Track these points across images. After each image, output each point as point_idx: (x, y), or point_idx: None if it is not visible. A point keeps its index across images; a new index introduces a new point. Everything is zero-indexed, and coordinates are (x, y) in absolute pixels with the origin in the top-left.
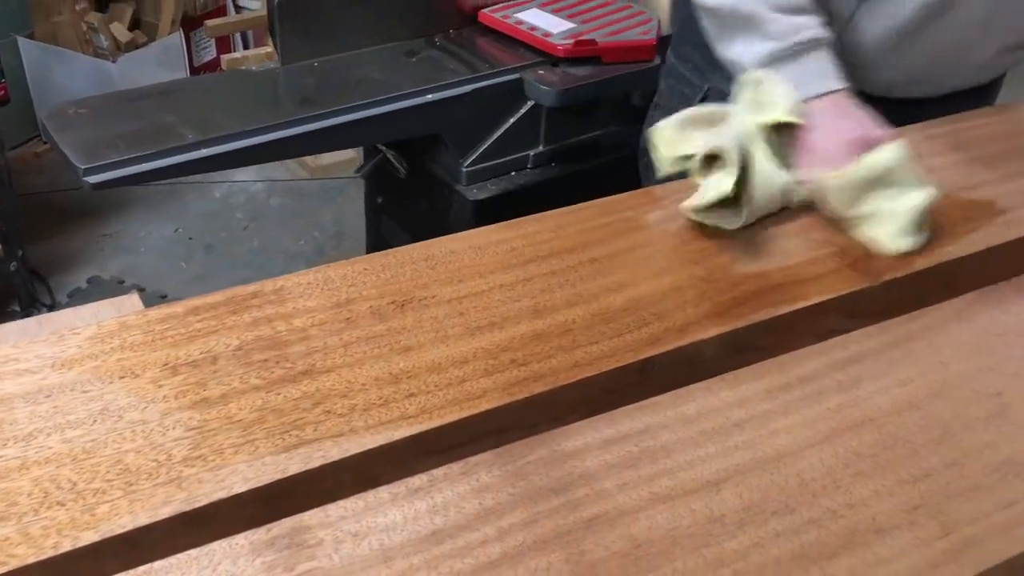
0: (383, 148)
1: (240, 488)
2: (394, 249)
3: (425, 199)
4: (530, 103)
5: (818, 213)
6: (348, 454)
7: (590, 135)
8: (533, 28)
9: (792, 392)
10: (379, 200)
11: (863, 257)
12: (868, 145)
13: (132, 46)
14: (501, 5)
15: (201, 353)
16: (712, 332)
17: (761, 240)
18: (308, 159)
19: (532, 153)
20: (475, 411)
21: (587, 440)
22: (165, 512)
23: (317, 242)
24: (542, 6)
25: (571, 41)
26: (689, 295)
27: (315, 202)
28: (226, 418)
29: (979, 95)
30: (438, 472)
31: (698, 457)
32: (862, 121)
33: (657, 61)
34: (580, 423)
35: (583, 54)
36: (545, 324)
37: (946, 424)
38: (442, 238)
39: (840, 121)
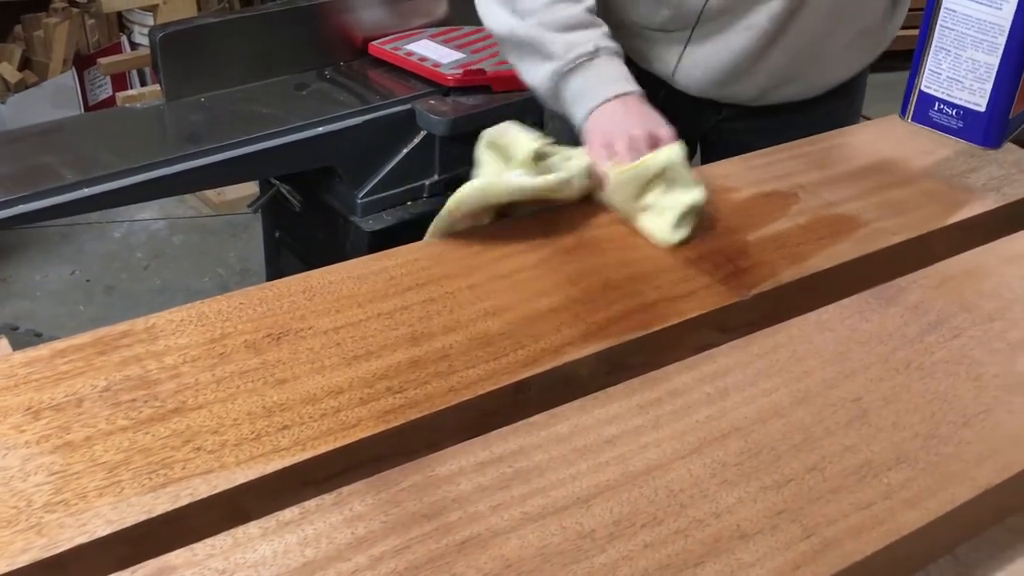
0: (276, 182)
1: (103, 531)
2: (271, 282)
3: (322, 231)
4: (423, 133)
5: (691, 232)
6: (217, 491)
7: None
8: (423, 59)
9: (663, 406)
10: (277, 234)
11: (733, 273)
12: (651, 142)
13: (22, 86)
14: (391, 37)
15: (66, 396)
16: (587, 352)
17: (637, 259)
18: (211, 195)
19: (427, 182)
20: (349, 440)
21: (461, 464)
22: (23, 560)
23: (222, 279)
24: (432, 37)
25: (460, 71)
26: (565, 316)
27: (219, 238)
28: (90, 461)
29: (846, 96)
30: (310, 504)
31: (570, 475)
32: (646, 119)
33: None
34: (455, 447)
35: (473, 83)
36: (422, 351)
37: (808, 430)
38: (321, 269)
39: (626, 119)
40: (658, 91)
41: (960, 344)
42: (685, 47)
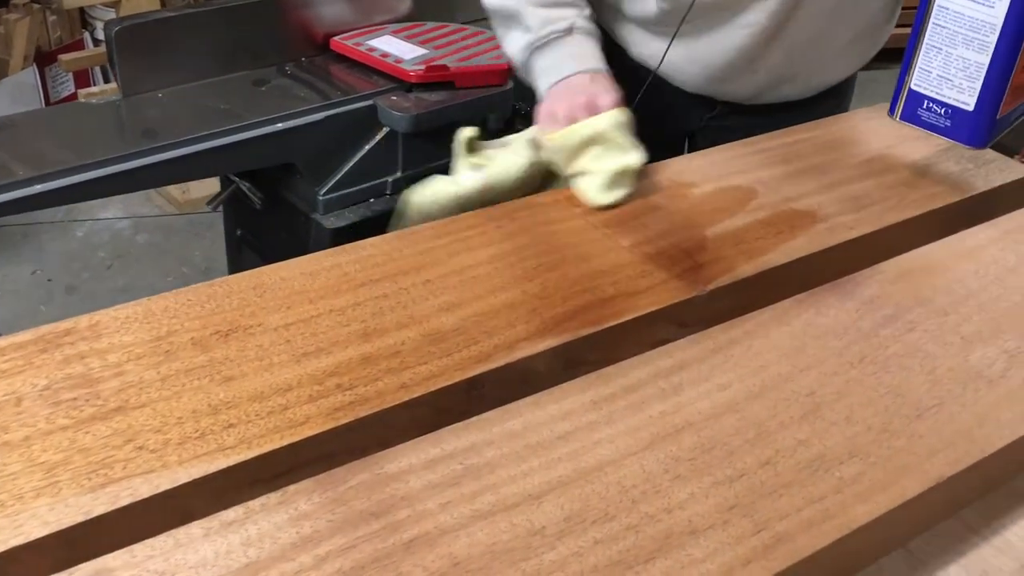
0: (236, 179)
1: (39, 533)
2: (221, 279)
3: (283, 229)
4: (385, 130)
5: (649, 227)
6: (159, 490)
7: (448, 160)
8: (385, 55)
9: (617, 402)
10: (238, 232)
11: (691, 268)
12: (590, 108)
13: None
14: (353, 33)
15: (5, 395)
16: (542, 347)
17: (594, 254)
18: (176, 194)
19: (390, 179)
20: (297, 438)
21: (411, 461)
22: None
23: (186, 278)
24: (394, 33)
25: (423, 67)
26: (521, 312)
27: (184, 237)
28: (28, 461)
29: (838, 96)
30: (254, 503)
31: (521, 472)
32: (591, 89)
33: (509, 85)
34: (404, 444)
35: (435, 79)
36: (374, 347)
37: (762, 424)
38: (272, 265)
39: (571, 92)
40: (651, 88)
41: (915, 338)
42: (671, 41)
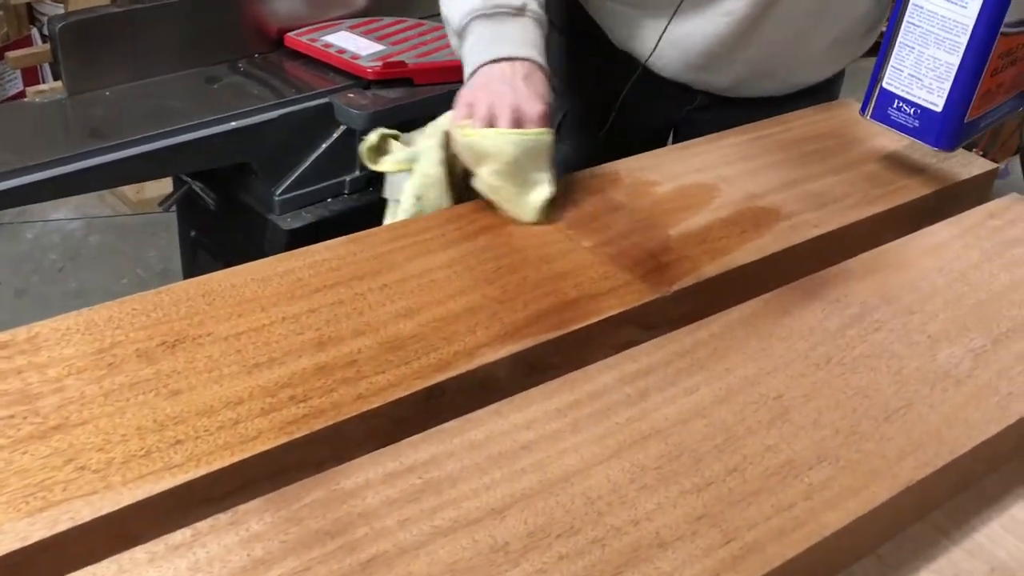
0: (188, 179)
1: None
2: (168, 286)
3: (239, 231)
4: (342, 128)
5: (611, 227)
6: (101, 513)
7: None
8: (341, 51)
9: (582, 409)
10: (193, 234)
11: (655, 268)
12: (516, 120)
13: None
14: (308, 28)
15: None
16: (503, 353)
17: (555, 255)
18: (130, 193)
19: (348, 179)
20: (248, 454)
21: (369, 476)
22: None
23: (141, 280)
24: (351, 29)
25: (380, 63)
26: (481, 317)
27: (139, 238)
28: None
29: (822, 94)
30: (203, 525)
31: (483, 484)
32: (522, 92)
33: None
34: (362, 458)
35: (393, 76)
36: (329, 356)
37: (729, 429)
38: (222, 271)
39: (501, 85)
40: (631, 74)
41: (881, 338)
42: (667, 25)
